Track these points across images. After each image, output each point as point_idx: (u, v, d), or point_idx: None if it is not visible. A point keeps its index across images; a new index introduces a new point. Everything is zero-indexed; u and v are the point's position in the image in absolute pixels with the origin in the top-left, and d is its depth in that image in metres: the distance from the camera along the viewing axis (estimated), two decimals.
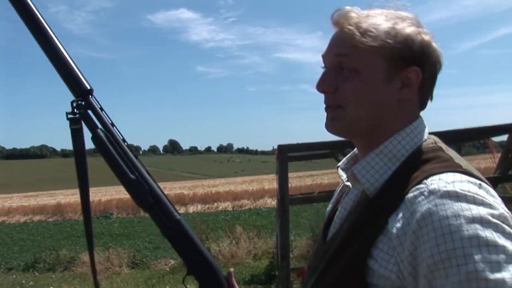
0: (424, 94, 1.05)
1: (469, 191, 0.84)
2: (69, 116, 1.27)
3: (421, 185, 0.88)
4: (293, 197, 6.84)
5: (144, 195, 1.25)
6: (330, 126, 1.05)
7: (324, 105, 1.07)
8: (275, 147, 6.25)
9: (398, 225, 0.88)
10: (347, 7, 1.04)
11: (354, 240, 0.96)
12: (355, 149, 1.16)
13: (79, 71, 1.28)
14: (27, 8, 1.27)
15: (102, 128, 1.28)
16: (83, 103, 1.27)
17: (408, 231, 0.85)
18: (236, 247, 9.87)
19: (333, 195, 1.32)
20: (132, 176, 1.25)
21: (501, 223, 0.80)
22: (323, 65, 1.08)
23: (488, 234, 0.78)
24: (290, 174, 6.17)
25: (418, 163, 0.97)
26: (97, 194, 30.69)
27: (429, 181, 0.88)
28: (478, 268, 0.75)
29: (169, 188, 30.31)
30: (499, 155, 7.73)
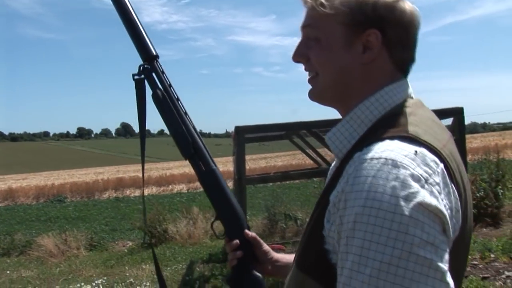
0: (398, 56, 1.04)
1: (395, 158, 0.84)
2: (136, 77, 1.47)
3: (360, 153, 0.89)
4: (250, 177, 7.08)
5: (187, 145, 1.44)
6: (309, 93, 1.11)
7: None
8: (228, 130, 6.47)
9: (335, 192, 0.91)
10: None
11: (317, 208, 1.00)
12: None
13: (148, 38, 1.47)
14: None
15: (161, 88, 1.47)
16: (148, 66, 1.46)
17: (341, 198, 0.88)
18: (193, 227, 9.99)
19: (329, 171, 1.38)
20: (180, 128, 1.44)
21: (405, 199, 0.80)
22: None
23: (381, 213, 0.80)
24: (246, 157, 6.38)
25: (378, 127, 0.97)
26: (49, 178, 30.20)
27: (366, 149, 0.89)
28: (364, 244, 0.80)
29: (123, 172, 30.10)
30: None
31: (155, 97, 1.46)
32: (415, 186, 0.81)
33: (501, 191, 8.45)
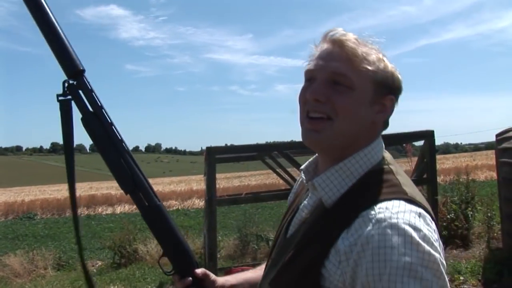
0: (388, 120, 1.19)
1: (409, 222, 0.95)
2: (60, 98, 1.27)
3: (370, 211, 0.99)
4: (221, 198, 7.02)
5: (127, 179, 1.29)
6: (313, 138, 1.13)
7: (303, 115, 1.15)
8: (204, 147, 6.40)
9: (347, 243, 0.99)
10: (341, 29, 1.15)
11: (310, 246, 1.07)
12: (314, 157, 1.27)
13: (73, 51, 1.27)
14: None
15: (92, 110, 1.29)
16: (74, 83, 1.27)
17: (354, 250, 0.97)
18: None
19: (294, 186, 1.47)
20: (116, 160, 1.29)
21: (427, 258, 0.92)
22: (306, 78, 1.18)
23: (414, 268, 0.91)
24: (218, 175, 6.33)
25: (371, 183, 1.08)
26: (20, 194, 29.56)
27: (377, 209, 0.99)
28: None
29: (96, 188, 29.61)
30: (415, 158, 8.27)
31: (85, 122, 1.29)
32: (429, 247, 0.94)
33: (471, 212, 8.50)
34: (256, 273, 1.52)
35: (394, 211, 0.97)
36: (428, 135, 6.83)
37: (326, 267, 1.01)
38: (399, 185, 1.07)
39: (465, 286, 6.16)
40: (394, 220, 0.95)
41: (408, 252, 0.91)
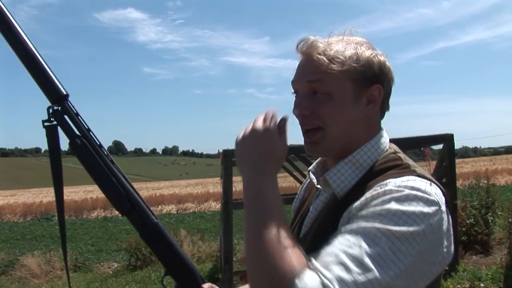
0: (384, 107, 1.20)
1: (419, 186, 0.99)
2: (46, 124, 1.27)
3: (381, 183, 1.03)
4: (237, 201, 6.98)
5: (122, 200, 1.28)
6: (312, 150, 1.17)
7: (301, 128, 1.17)
8: (221, 150, 6.38)
9: (355, 205, 1.02)
10: (311, 37, 1.15)
11: (323, 236, 1.06)
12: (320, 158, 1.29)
13: (55, 76, 1.27)
14: (0, 14, 1.25)
15: (79, 134, 1.28)
16: (59, 108, 1.26)
17: (358, 206, 1.01)
18: None
19: (298, 192, 1.46)
20: (109, 181, 1.27)
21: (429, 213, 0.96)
22: (292, 91, 1.20)
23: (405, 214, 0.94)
24: (234, 178, 6.29)
25: (381, 170, 1.11)
26: (38, 195, 29.87)
27: (387, 181, 1.02)
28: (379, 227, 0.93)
29: None
30: (434, 162, 8.17)
31: (73, 146, 1.28)
32: (434, 209, 0.98)
33: (491, 218, 8.36)
34: None
35: (404, 179, 1.02)
36: (447, 139, 6.74)
37: None
38: (409, 166, 1.11)
39: None
40: (403, 185, 1.00)
41: (407, 206, 0.96)
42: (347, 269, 0.88)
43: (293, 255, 0.92)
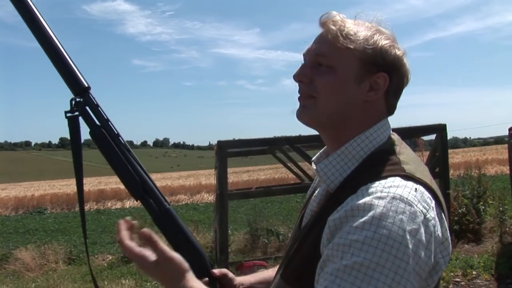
0: (391, 101, 1.17)
1: (401, 194, 0.95)
2: (68, 114, 1.34)
3: (364, 187, 1.00)
4: (232, 192, 7.01)
5: (136, 186, 1.33)
6: (301, 113, 1.17)
7: (298, 95, 1.18)
8: (212, 142, 6.46)
9: (336, 215, 0.99)
10: (335, 12, 1.16)
11: (313, 231, 1.08)
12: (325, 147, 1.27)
13: (77, 69, 1.34)
14: (27, 8, 1.33)
15: (99, 124, 1.35)
16: (81, 100, 1.34)
17: (339, 222, 0.97)
18: None
19: (314, 181, 1.45)
20: (125, 168, 1.33)
21: (407, 236, 0.91)
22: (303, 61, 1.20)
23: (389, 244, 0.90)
24: (229, 169, 6.33)
25: (371, 164, 1.08)
26: (29, 189, 29.72)
27: (372, 184, 0.99)
28: (363, 263, 0.89)
29: (105, 183, 29.71)
30: (427, 153, 8.24)
31: (94, 135, 1.35)
32: (418, 222, 0.93)
33: (483, 207, 8.47)
34: (274, 271, 1.52)
35: (387, 185, 0.98)
36: (440, 129, 6.80)
37: (321, 249, 1.02)
38: (398, 163, 1.07)
39: (478, 281, 6.13)
40: (384, 194, 0.96)
41: (389, 225, 0.91)
42: None
43: None
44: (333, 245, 0.96)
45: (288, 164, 8.57)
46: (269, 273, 1.52)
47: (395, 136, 1.18)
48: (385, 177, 1.01)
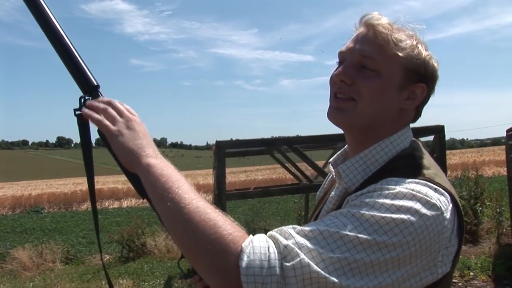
0: (420, 110, 1.19)
1: (420, 190, 0.95)
2: (77, 112, 1.32)
3: (383, 180, 1.01)
4: (230, 192, 7.00)
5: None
6: (336, 114, 1.15)
7: (332, 95, 1.16)
8: (209, 142, 6.41)
9: (351, 196, 1.01)
10: (378, 13, 1.15)
11: None
12: (346, 146, 1.26)
13: (87, 67, 1.34)
14: (38, 6, 1.32)
15: None
16: (90, 98, 1.32)
17: (353, 196, 1.00)
18: (172, 241, 9.89)
19: (324, 182, 1.47)
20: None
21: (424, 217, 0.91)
22: (338, 60, 1.19)
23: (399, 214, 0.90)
24: (227, 170, 6.32)
25: (392, 168, 1.08)
26: (27, 188, 29.67)
27: (390, 179, 1.00)
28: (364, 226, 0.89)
29: (103, 183, 29.69)
30: None
31: (101, 132, 1.32)
32: (432, 212, 0.93)
33: (480, 208, 8.50)
34: None
35: (406, 182, 0.98)
36: (438, 130, 6.79)
37: None
38: (420, 167, 1.07)
39: (475, 282, 6.14)
40: (405, 184, 0.97)
41: (404, 208, 0.91)
42: (309, 238, 0.88)
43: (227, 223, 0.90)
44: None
45: (286, 165, 8.56)
46: None
47: (417, 142, 1.19)
48: (407, 176, 1.01)
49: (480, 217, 8.49)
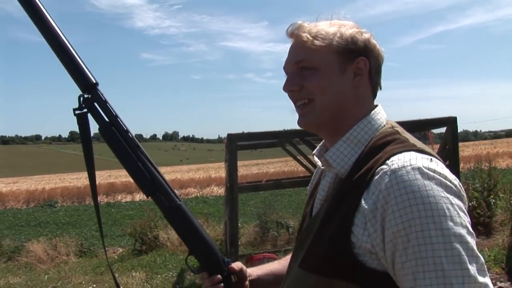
0: (374, 82, 1.24)
1: (422, 165, 1.00)
2: (77, 112, 1.34)
3: (384, 166, 1.04)
4: (242, 185, 7.02)
5: (147, 182, 1.34)
6: (302, 121, 1.23)
7: (294, 105, 1.25)
8: (221, 135, 6.43)
9: (370, 202, 1.02)
10: (299, 21, 1.24)
11: (334, 217, 1.11)
12: (323, 141, 1.32)
13: (85, 65, 1.34)
14: (32, 4, 1.33)
15: (108, 120, 1.35)
16: (89, 96, 1.34)
17: (378, 206, 1.00)
18: None
19: (312, 177, 1.49)
20: (135, 165, 1.34)
21: (448, 188, 0.98)
22: (284, 75, 1.26)
23: (439, 205, 0.96)
24: (239, 162, 6.33)
25: (380, 145, 1.13)
26: (40, 182, 29.91)
27: (390, 162, 1.04)
28: (432, 234, 0.93)
29: (115, 176, 29.87)
30: (437, 146, 8.19)
31: (103, 133, 1.36)
32: (452, 190, 1.00)
33: (493, 200, 8.44)
34: (281, 264, 1.54)
35: (406, 159, 1.03)
36: (450, 122, 6.74)
37: (354, 233, 1.05)
38: (407, 140, 1.14)
39: (488, 275, 6.10)
40: (408, 167, 1.01)
41: (430, 193, 0.96)
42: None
43: None
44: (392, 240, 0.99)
45: (298, 157, 8.56)
46: (275, 265, 1.56)
47: (390, 121, 1.24)
48: (400, 152, 1.07)
49: (494, 209, 8.43)
